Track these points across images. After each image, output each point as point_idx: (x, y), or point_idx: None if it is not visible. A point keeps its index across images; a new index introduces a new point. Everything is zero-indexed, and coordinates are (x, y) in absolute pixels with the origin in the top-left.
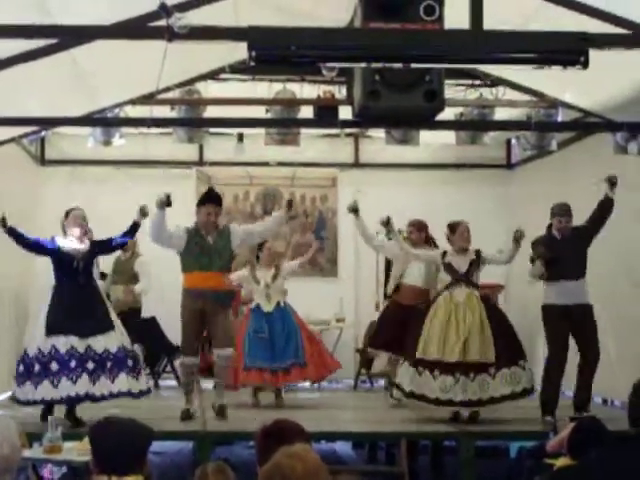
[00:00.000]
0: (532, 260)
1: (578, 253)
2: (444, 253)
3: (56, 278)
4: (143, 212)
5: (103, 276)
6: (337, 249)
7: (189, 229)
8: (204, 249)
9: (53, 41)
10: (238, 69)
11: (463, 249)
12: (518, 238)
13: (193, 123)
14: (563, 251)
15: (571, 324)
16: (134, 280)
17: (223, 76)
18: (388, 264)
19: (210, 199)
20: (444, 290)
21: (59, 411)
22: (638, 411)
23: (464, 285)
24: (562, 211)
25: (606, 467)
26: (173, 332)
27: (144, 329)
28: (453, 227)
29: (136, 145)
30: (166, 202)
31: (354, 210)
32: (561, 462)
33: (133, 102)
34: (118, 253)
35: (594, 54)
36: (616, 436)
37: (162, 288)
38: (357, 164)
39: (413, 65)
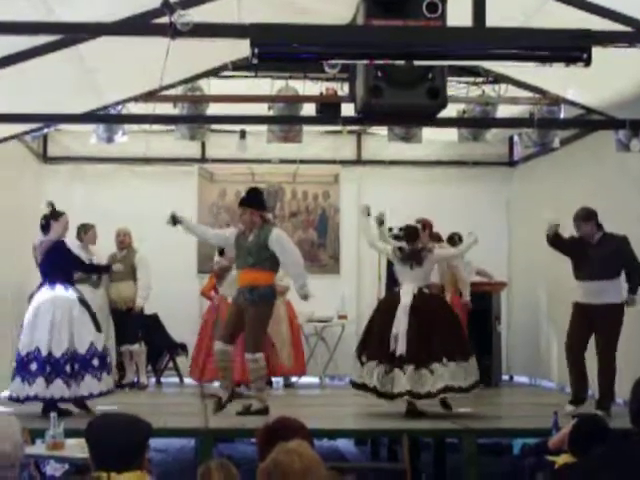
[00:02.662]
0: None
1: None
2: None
3: None
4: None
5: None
6: (339, 246)
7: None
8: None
9: (56, 38)
10: (241, 66)
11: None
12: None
13: (195, 120)
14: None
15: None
16: (132, 276)
17: (226, 73)
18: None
19: (240, 202)
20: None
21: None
22: (638, 411)
23: None
24: (575, 216)
25: (608, 465)
26: (174, 329)
27: (146, 326)
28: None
29: (138, 142)
30: (172, 222)
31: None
32: (562, 459)
33: (136, 99)
34: (113, 250)
35: (597, 51)
36: (618, 433)
37: (164, 285)
38: (359, 161)
39: (416, 62)
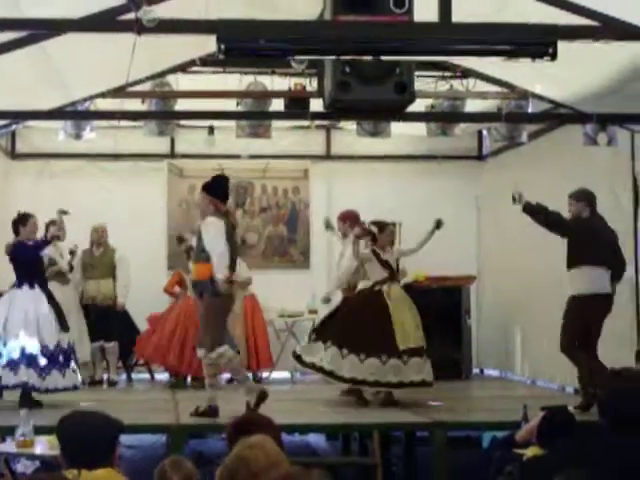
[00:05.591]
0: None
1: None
2: (374, 250)
3: None
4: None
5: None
6: (309, 241)
7: None
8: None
9: (23, 34)
10: (209, 62)
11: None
12: (436, 227)
13: (164, 116)
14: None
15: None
16: (111, 273)
17: (194, 69)
18: None
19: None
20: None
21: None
22: (607, 402)
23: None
24: (572, 193)
25: (576, 458)
26: (144, 325)
27: (117, 322)
28: (382, 227)
29: (107, 138)
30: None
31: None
32: (531, 451)
33: (104, 95)
34: (85, 246)
35: (564, 46)
36: (585, 426)
37: (134, 281)
38: (329, 156)
39: (383, 57)
